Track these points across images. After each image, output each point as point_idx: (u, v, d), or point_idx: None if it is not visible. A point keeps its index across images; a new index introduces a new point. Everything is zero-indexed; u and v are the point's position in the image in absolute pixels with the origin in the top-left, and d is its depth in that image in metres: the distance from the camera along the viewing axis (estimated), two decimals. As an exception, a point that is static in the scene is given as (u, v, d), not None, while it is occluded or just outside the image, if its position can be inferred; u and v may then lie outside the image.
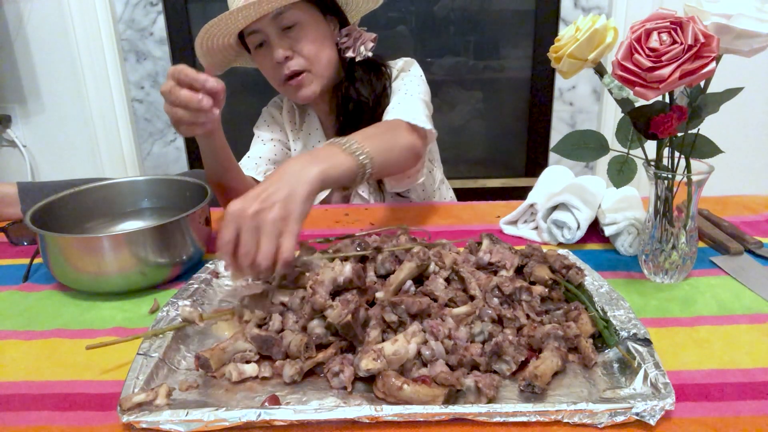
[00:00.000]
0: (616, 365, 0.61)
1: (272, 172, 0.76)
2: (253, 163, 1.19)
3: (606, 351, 0.62)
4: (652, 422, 0.52)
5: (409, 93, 1.09)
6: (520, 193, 1.05)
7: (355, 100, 1.13)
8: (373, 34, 1.15)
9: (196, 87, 0.79)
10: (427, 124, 0.98)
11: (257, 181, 1.16)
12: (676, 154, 0.74)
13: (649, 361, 0.57)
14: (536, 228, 0.95)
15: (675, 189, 0.74)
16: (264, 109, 1.28)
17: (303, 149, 1.23)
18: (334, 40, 1.13)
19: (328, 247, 0.80)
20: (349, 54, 1.13)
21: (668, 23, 0.64)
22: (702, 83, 0.71)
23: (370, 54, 1.14)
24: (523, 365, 0.59)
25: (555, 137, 2.25)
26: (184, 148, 2.29)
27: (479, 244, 0.81)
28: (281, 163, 0.77)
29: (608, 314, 0.66)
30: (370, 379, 0.58)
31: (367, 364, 0.56)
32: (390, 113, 1.03)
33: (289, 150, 1.25)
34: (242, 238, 0.64)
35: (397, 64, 1.19)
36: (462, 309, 0.65)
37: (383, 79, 1.16)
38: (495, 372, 0.59)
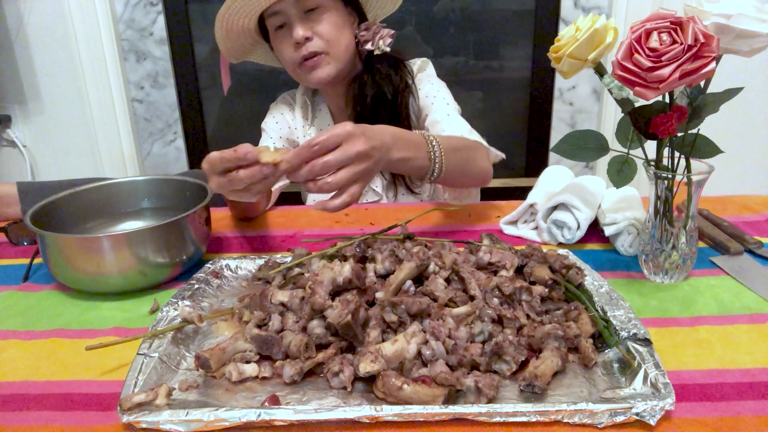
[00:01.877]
0: (616, 365, 0.61)
1: (380, 127, 0.78)
2: None
3: (606, 351, 0.62)
4: (652, 422, 0.52)
5: (450, 105, 1.15)
6: (520, 193, 1.05)
7: (374, 94, 1.14)
8: (392, 30, 1.15)
9: (241, 165, 0.71)
10: (500, 153, 1.06)
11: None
12: (676, 154, 0.74)
13: (649, 361, 0.57)
14: (536, 228, 0.95)
15: (675, 189, 0.74)
16: (272, 105, 1.28)
17: None
18: (353, 31, 1.14)
19: (327, 246, 0.80)
20: (368, 47, 1.14)
21: (668, 23, 0.64)
22: (702, 83, 0.71)
23: (388, 49, 1.15)
24: (523, 365, 0.59)
25: (555, 137, 2.25)
26: (184, 148, 2.29)
27: (479, 243, 0.81)
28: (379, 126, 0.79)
29: (608, 314, 0.66)
30: (370, 379, 0.58)
31: (365, 366, 0.56)
32: (440, 124, 1.09)
33: None
34: (335, 155, 0.70)
35: (416, 63, 1.21)
36: (462, 309, 0.65)
37: (403, 75, 1.17)
38: (495, 372, 0.59)
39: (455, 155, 0.90)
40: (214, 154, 0.71)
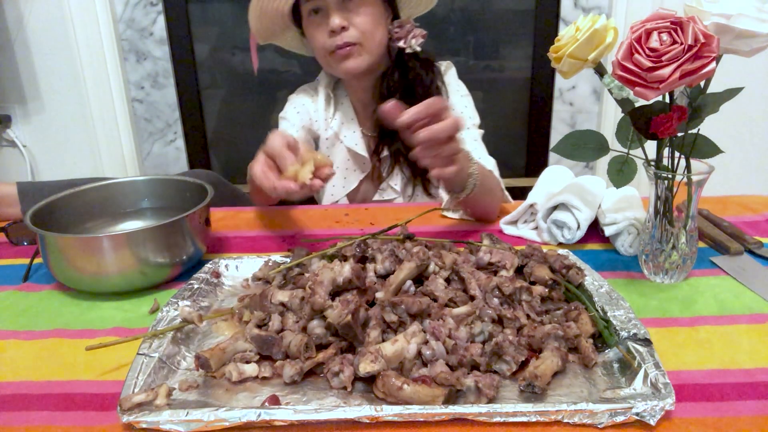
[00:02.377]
0: (616, 365, 0.61)
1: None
2: None
3: (606, 351, 0.62)
4: (652, 422, 0.52)
5: (475, 127, 1.18)
6: (520, 193, 1.05)
7: (403, 92, 1.14)
8: (424, 30, 1.15)
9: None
10: (510, 198, 1.09)
11: None
12: (676, 154, 0.74)
13: (649, 361, 0.57)
14: (536, 228, 0.95)
15: (675, 189, 0.74)
16: (292, 95, 1.27)
17: (335, 138, 1.23)
18: (387, 27, 1.14)
19: (327, 246, 0.80)
20: (400, 44, 1.14)
21: (668, 23, 0.64)
22: (702, 83, 0.71)
23: (418, 49, 1.15)
24: (523, 365, 0.59)
25: (555, 137, 2.25)
26: (184, 148, 2.29)
27: (479, 244, 0.81)
28: None
29: (608, 314, 0.66)
30: (370, 379, 0.58)
31: (365, 367, 0.56)
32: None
33: (316, 140, 1.25)
34: (438, 126, 0.76)
35: (441, 66, 1.23)
36: (462, 309, 0.65)
37: (434, 77, 1.18)
38: (495, 372, 0.59)
39: (484, 182, 0.92)
40: (265, 186, 0.76)
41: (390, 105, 0.77)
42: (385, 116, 0.78)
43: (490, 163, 1.10)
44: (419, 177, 1.20)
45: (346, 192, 1.24)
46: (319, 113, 1.23)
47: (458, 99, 1.20)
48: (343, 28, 1.06)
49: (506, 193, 1.08)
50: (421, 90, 1.15)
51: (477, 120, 1.21)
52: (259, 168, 0.78)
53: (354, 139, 1.21)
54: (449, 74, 1.23)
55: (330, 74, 1.24)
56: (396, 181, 1.21)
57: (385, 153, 1.20)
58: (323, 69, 1.21)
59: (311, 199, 1.34)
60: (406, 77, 1.15)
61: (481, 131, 1.20)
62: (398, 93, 1.14)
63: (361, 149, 1.21)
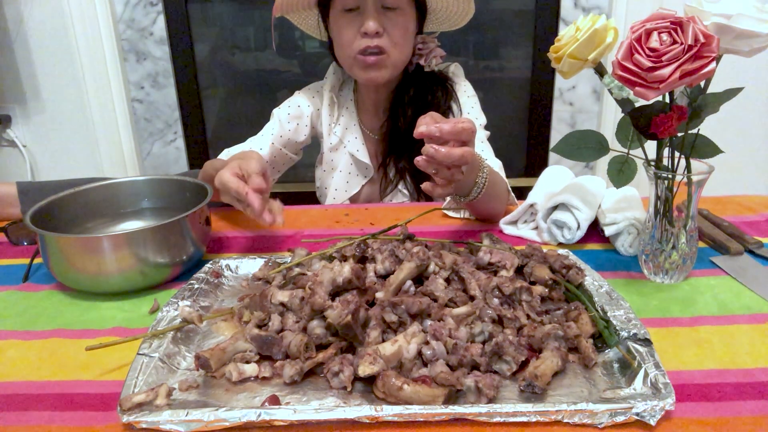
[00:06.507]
0: (616, 365, 0.61)
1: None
2: (268, 141, 1.19)
3: (606, 351, 0.62)
4: (652, 422, 0.52)
5: (482, 129, 1.19)
6: (520, 193, 1.05)
7: (415, 108, 1.14)
8: (443, 51, 1.17)
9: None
10: (515, 200, 1.08)
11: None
12: (676, 154, 0.74)
13: (649, 361, 0.57)
14: (536, 228, 0.95)
15: (675, 189, 0.74)
16: (296, 94, 1.26)
17: (339, 143, 1.23)
18: (413, 42, 1.14)
19: (327, 246, 0.80)
20: (421, 61, 1.16)
21: (668, 23, 0.64)
22: (702, 83, 0.71)
23: (436, 68, 1.17)
24: (523, 365, 0.59)
25: (555, 137, 2.25)
26: (184, 148, 2.29)
27: (479, 244, 0.81)
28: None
29: (608, 314, 0.66)
30: (370, 379, 0.58)
31: (364, 369, 0.56)
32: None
33: (321, 143, 1.27)
34: (445, 153, 0.74)
35: (449, 69, 1.23)
36: (462, 309, 0.66)
37: (448, 97, 1.19)
38: (495, 372, 0.59)
39: (491, 188, 0.91)
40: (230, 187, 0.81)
41: (428, 117, 0.78)
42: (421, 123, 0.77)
43: (495, 165, 1.10)
44: (422, 196, 1.21)
45: (348, 196, 1.24)
46: (323, 118, 1.23)
47: (465, 99, 1.20)
48: (377, 33, 1.06)
49: (512, 195, 1.08)
50: (435, 110, 1.15)
51: (483, 120, 1.21)
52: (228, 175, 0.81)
53: (356, 145, 1.22)
54: (458, 77, 1.24)
55: (340, 74, 1.24)
56: (403, 185, 1.21)
57: (392, 169, 1.21)
58: (343, 67, 1.18)
59: (312, 200, 1.34)
60: (420, 93, 1.16)
61: (488, 132, 1.20)
62: (411, 108, 1.14)
63: (363, 156, 1.21)
